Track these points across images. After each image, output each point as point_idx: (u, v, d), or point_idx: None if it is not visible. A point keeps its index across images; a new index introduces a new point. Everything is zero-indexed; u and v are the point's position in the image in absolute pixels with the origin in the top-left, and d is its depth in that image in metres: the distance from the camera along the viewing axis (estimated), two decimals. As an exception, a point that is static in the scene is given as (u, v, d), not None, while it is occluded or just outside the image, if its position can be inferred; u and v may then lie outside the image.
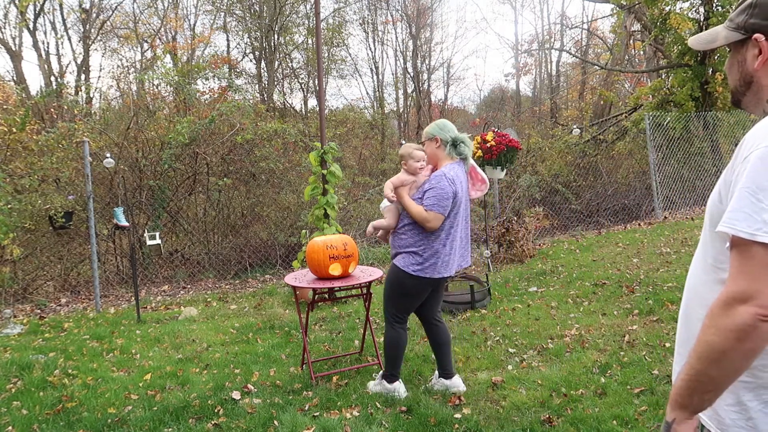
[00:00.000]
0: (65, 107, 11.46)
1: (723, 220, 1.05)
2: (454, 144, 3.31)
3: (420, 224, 3.19)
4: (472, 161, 3.40)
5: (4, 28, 14.77)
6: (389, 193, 3.28)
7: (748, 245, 1.01)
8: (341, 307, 5.89)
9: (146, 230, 7.49)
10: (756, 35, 1.17)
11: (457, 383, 3.53)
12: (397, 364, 3.47)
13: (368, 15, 20.80)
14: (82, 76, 16.51)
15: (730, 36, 1.23)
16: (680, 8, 10.95)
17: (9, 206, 6.48)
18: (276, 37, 17.06)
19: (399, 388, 3.47)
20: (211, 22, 19.06)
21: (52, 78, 15.97)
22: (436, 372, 3.63)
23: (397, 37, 22.82)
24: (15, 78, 14.49)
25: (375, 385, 3.56)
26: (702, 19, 10.93)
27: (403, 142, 9.52)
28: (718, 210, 1.14)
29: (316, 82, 15.52)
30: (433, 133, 3.35)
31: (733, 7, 1.27)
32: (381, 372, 3.60)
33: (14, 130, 7.25)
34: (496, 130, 6.85)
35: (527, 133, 12.90)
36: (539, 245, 8.49)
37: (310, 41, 17.64)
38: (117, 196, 8.07)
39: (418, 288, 3.32)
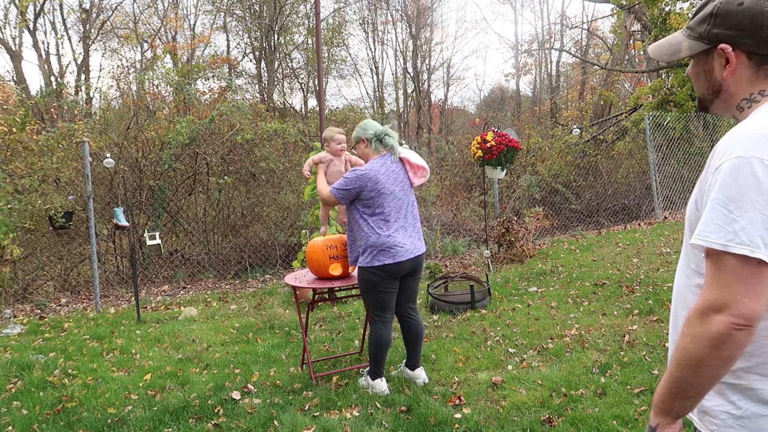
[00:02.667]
0: (65, 107, 11.47)
1: (696, 232, 1.08)
2: (379, 139, 3.52)
3: (320, 196, 3.63)
4: (403, 150, 3.59)
5: (4, 28, 14.79)
6: (306, 169, 3.83)
7: (721, 256, 1.03)
8: (341, 307, 5.89)
9: (146, 230, 7.49)
10: (722, 45, 1.18)
11: (419, 374, 3.69)
12: (379, 362, 3.54)
13: (368, 15, 20.84)
14: (82, 76, 16.53)
15: (693, 46, 1.24)
16: (680, 8, 10.94)
17: (9, 206, 6.48)
18: (276, 37, 17.07)
19: (380, 385, 3.54)
20: (211, 22, 19.08)
21: (52, 78, 15.98)
22: (405, 361, 3.79)
23: (397, 37, 22.87)
24: (15, 78, 14.49)
25: (362, 380, 3.68)
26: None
27: (403, 142, 9.50)
28: (695, 217, 1.16)
29: (316, 82, 15.52)
30: (358, 136, 3.59)
31: (690, 15, 1.27)
32: (368, 368, 3.67)
33: (14, 130, 7.25)
34: (496, 130, 6.85)
35: (527, 133, 12.88)
36: (539, 245, 8.49)
37: (310, 41, 17.65)
38: (117, 196, 8.07)
39: (381, 280, 3.42)
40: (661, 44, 1.32)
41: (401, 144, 3.63)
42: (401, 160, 3.55)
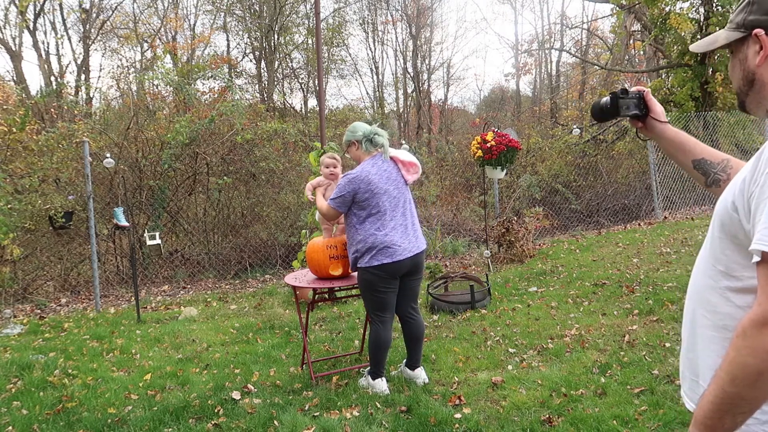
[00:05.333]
0: (65, 107, 11.46)
1: (758, 238, 1.00)
2: (369, 139, 3.56)
3: (321, 214, 3.68)
4: (394, 150, 3.63)
5: (4, 28, 14.79)
6: (308, 194, 3.87)
7: None
8: (341, 307, 5.89)
9: (146, 230, 7.49)
10: (756, 30, 1.15)
11: (419, 374, 3.69)
12: (379, 362, 3.56)
13: (368, 15, 20.87)
14: (82, 76, 16.54)
15: (730, 36, 1.21)
16: (680, 8, 10.95)
17: (9, 206, 6.48)
18: (276, 37, 17.08)
19: (381, 385, 3.54)
20: (211, 22, 19.09)
21: (52, 78, 15.98)
22: (405, 360, 3.80)
23: (397, 37, 22.85)
24: (15, 78, 14.50)
25: (362, 380, 3.69)
26: (702, 19, 10.93)
27: (403, 142, 9.51)
28: (730, 219, 1.11)
29: (316, 82, 15.52)
30: (348, 139, 3.63)
31: (733, 8, 1.26)
32: (368, 368, 3.68)
33: (14, 130, 7.25)
34: (496, 130, 6.85)
35: (527, 133, 12.89)
36: (539, 245, 8.49)
37: (310, 41, 17.66)
38: (117, 196, 8.07)
39: (380, 280, 3.43)
40: (702, 40, 1.31)
41: (401, 144, 3.65)
42: (392, 159, 3.58)
